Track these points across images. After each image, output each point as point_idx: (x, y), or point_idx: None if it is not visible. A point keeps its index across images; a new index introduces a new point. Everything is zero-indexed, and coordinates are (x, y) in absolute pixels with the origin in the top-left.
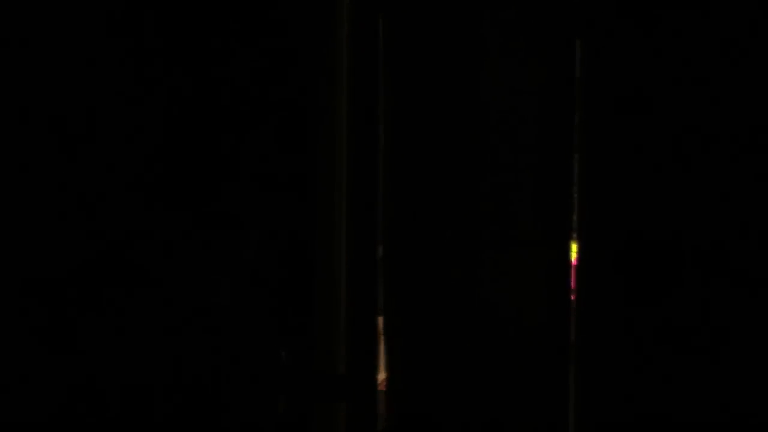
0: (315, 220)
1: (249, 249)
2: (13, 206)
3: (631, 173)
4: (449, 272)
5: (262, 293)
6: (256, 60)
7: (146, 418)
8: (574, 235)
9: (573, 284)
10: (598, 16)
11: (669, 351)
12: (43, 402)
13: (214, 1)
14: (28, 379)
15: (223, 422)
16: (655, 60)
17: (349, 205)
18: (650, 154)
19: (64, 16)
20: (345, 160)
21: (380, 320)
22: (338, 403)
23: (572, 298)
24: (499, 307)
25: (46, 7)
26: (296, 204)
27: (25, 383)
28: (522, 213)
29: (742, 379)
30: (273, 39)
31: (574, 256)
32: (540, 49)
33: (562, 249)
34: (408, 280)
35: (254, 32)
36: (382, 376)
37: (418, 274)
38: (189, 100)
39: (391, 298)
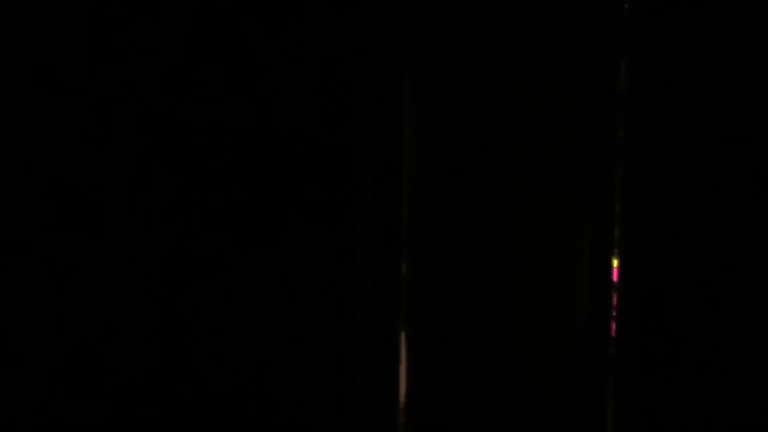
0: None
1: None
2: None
3: (675, 189)
4: (474, 287)
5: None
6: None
7: None
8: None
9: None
10: (644, 33)
11: (712, 370)
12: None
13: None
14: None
15: None
16: (702, 75)
17: (375, 220)
18: (695, 169)
19: None
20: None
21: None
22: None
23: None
24: (532, 325)
25: None
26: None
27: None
28: (559, 227)
29: None
30: None
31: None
32: (583, 65)
33: (603, 265)
34: (431, 296)
35: None
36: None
37: (441, 289)
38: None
39: (413, 314)
